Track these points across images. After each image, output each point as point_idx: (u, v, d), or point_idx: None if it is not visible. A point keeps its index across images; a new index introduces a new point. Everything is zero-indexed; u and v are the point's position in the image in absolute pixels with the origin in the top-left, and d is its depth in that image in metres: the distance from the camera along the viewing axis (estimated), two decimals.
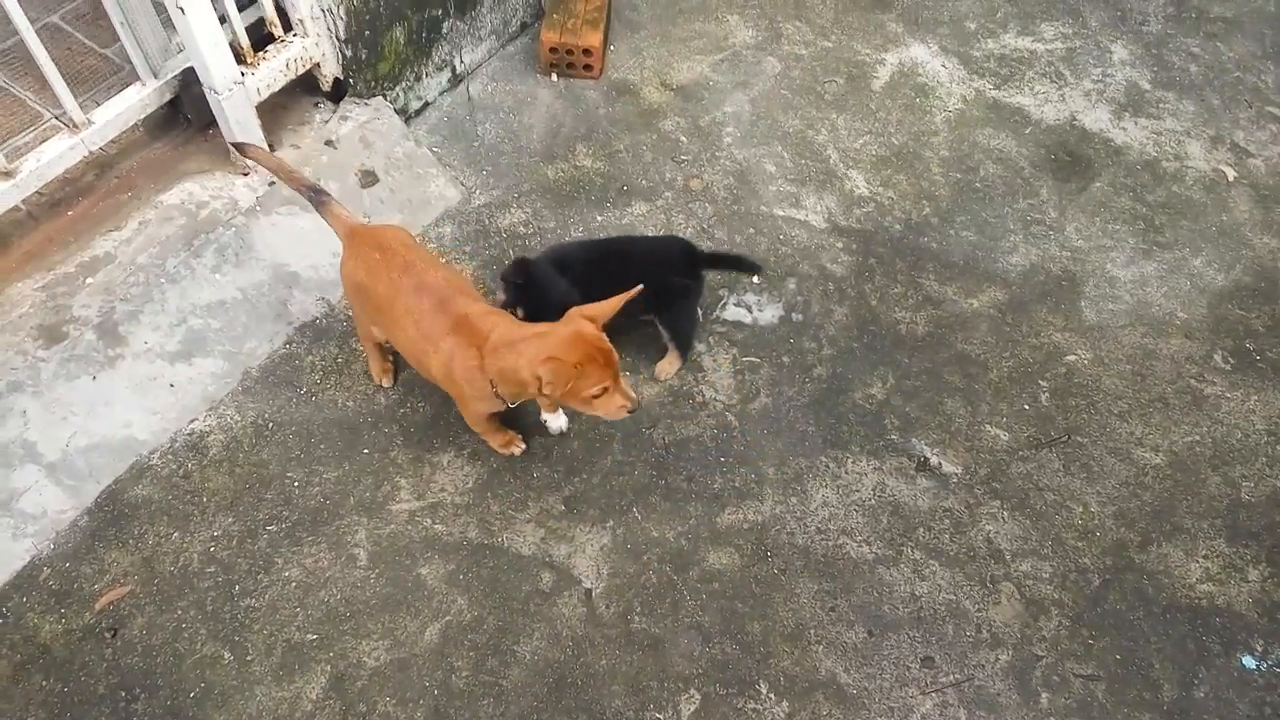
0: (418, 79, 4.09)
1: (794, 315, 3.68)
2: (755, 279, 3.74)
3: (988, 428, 3.44)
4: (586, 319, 2.67)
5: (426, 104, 4.20)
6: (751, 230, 3.90)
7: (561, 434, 3.38)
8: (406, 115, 4.09)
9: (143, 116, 3.46)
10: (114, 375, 3.20)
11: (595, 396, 2.70)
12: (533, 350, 2.63)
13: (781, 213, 3.97)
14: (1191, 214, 4.05)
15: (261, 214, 3.53)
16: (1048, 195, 4.09)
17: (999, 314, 3.72)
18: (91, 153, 3.34)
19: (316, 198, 3.06)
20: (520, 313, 3.17)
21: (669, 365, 3.50)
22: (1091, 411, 3.49)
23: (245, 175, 3.60)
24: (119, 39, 3.29)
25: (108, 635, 2.92)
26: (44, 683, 2.84)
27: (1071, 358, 3.62)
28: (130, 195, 3.51)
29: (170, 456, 3.23)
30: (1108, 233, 3.97)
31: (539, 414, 3.36)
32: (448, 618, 2.99)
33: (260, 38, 3.56)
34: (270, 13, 3.54)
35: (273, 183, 3.58)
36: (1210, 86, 4.50)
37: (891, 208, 4.02)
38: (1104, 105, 4.41)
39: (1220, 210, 4.06)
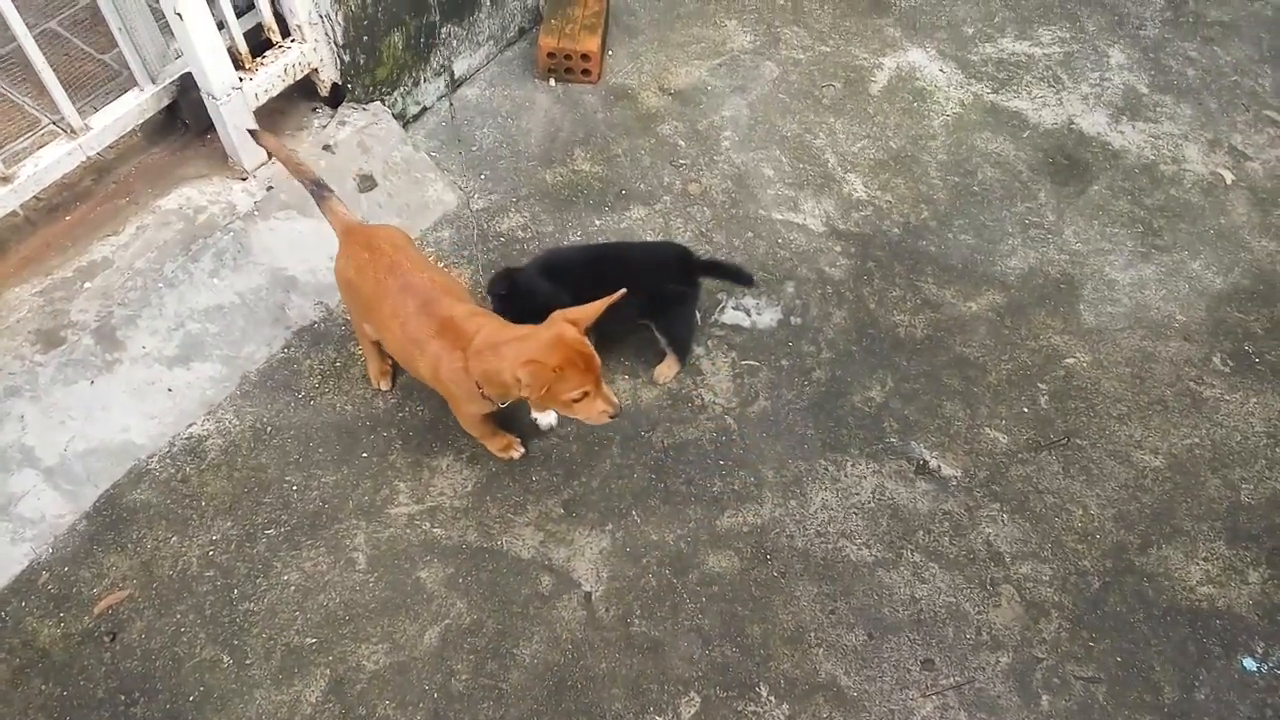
0: (416, 84, 4.09)
1: (793, 319, 3.68)
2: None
3: (987, 430, 3.44)
4: (569, 322, 2.67)
5: (424, 109, 4.20)
6: (750, 234, 3.91)
7: (551, 429, 3.38)
8: (404, 120, 4.09)
9: (141, 122, 3.46)
10: (112, 380, 3.20)
11: (575, 400, 2.69)
12: (514, 353, 2.63)
13: (780, 216, 3.97)
14: (1190, 217, 4.05)
15: (259, 218, 3.53)
16: (1046, 198, 4.09)
17: (998, 317, 3.72)
18: (89, 158, 3.34)
19: (318, 192, 3.07)
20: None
21: (667, 369, 3.50)
22: (1090, 414, 3.49)
23: (243, 180, 3.60)
24: (117, 45, 3.29)
25: (106, 639, 2.91)
26: (43, 687, 2.83)
27: (1070, 360, 3.62)
28: (128, 200, 3.51)
29: (168, 461, 3.23)
30: (1106, 236, 3.97)
31: (529, 414, 3.36)
32: (447, 621, 2.99)
33: (258, 43, 3.56)
34: (268, 18, 3.54)
35: (271, 187, 3.58)
36: (1208, 90, 4.50)
37: (890, 211, 4.02)
38: (1101, 109, 4.41)
39: (1218, 213, 4.07)
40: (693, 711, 2.87)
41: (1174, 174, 4.19)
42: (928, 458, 3.37)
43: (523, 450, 3.29)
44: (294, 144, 3.73)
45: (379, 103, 3.95)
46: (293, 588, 3.02)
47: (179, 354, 3.31)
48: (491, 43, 4.38)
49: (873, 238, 3.93)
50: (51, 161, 3.23)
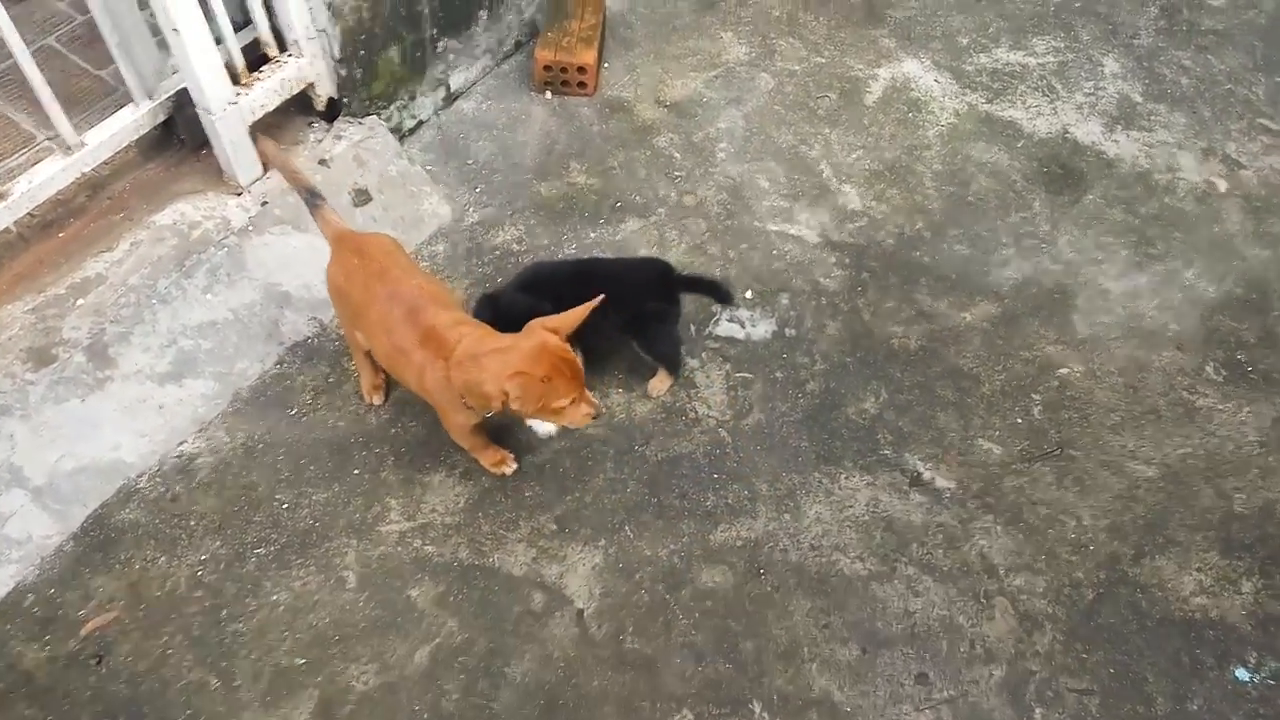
0: (412, 98, 4.10)
1: (787, 330, 3.68)
2: (748, 294, 3.74)
3: (980, 442, 3.43)
4: (549, 330, 2.67)
5: (420, 122, 4.21)
6: (745, 245, 3.90)
7: (550, 437, 3.38)
8: (400, 134, 4.10)
9: (136, 137, 3.47)
10: (103, 397, 3.20)
11: (562, 407, 2.70)
12: (497, 364, 2.62)
13: (775, 228, 3.97)
14: (1183, 226, 4.04)
15: (254, 234, 3.53)
16: (1040, 208, 4.09)
17: (991, 328, 3.71)
18: (84, 174, 3.35)
19: (311, 200, 3.08)
20: None
21: (660, 383, 3.49)
22: (1084, 424, 3.48)
23: (238, 195, 3.60)
24: (114, 61, 3.30)
25: (93, 662, 2.90)
26: (27, 711, 2.82)
27: (1064, 371, 3.61)
28: (122, 216, 3.51)
29: (158, 479, 3.23)
30: (1100, 245, 3.97)
31: (522, 429, 3.36)
32: (438, 640, 2.98)
33: (255, 58, 3.56)
34: (265, 34, 3.55)
35: (265, 203, 3.58)
36: (1201, 99, 4.50)
37: (884, 222, 4.01)
38: (1096, 118, 4.41)
39: (1212, 222, 4.06)
40: None
41: (1168, 183, 4.18)
42: (922, 469, 3.37)
43: (515, 466, 3.29)
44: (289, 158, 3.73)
45: (375, 117, 3.96)
46: (282, 608, 3.02)
47: (171, 371, 3.31)
48: (488, 56, 4.39)
49: (867, 249, 3.93)
50: (46, 178, 3.23)
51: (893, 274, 3.85)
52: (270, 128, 3.72)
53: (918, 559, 3.19)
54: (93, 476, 3.16)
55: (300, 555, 3.11)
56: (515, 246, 3.86)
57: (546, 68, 4.29)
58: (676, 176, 4.13)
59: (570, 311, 2.71)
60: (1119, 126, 4.38)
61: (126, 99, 3.44)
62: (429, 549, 3.14)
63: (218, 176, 3.63)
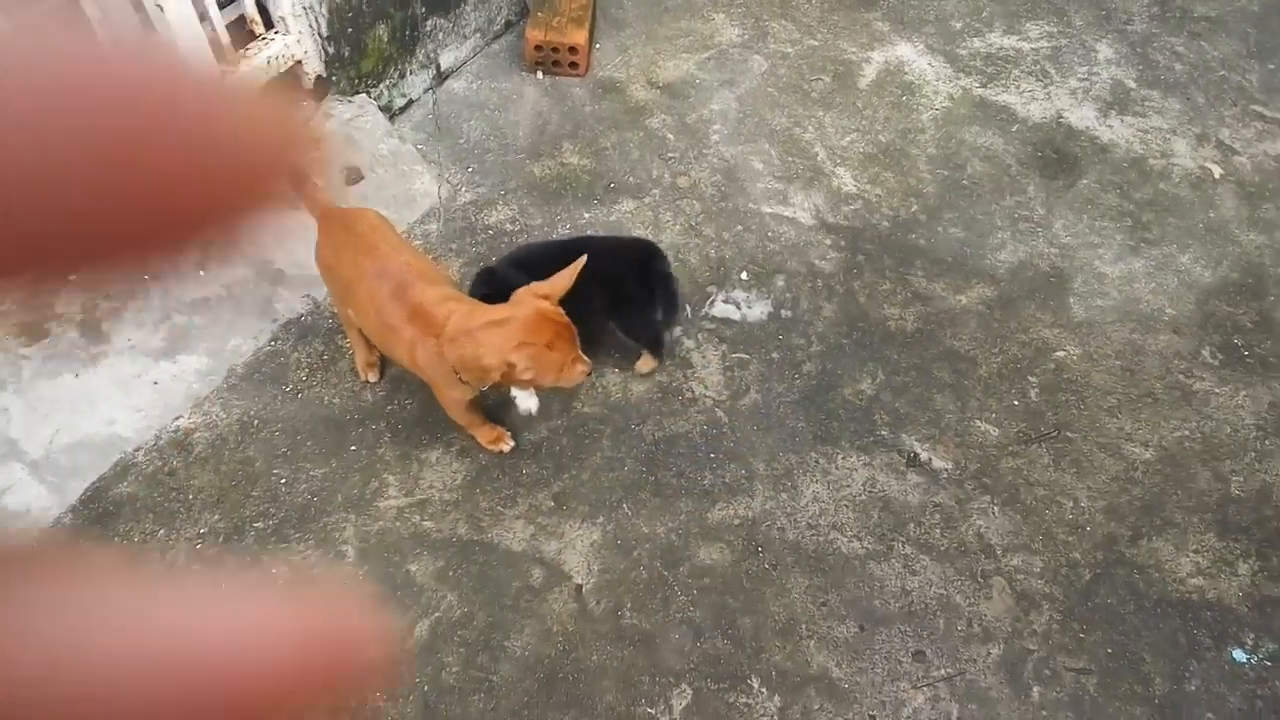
0: (402, 76, 4.07)
1: (783, 312, 3.67)
2: (744, 276, 3.73)
3: (977, 423, 3.44)
4: (541, 296, 2.67)
5: (411, 101, 4.18)
6: (739, 227, 3.90)
7: (530, 414, 3.36)
8: (391, 112, 4.07)
9: None
10: (97, 373, 3.17)
11: (561, 370, 2.71)
12: (496, 338, 2.61)
13: (769, 210, 3.97)
14: (1178, 211, 4.06)
15: None
16: (1035, 192, 4.10)
17: (988, 310, 3.72)
18: None
19: (295, 177, 3.03)
20: None
21: (645, 363, 3.48)
22: (1081, 407, 3.49)
23: None
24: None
25: None
26: None
27: (1060, 354, 3.62)
28: None
29: (155, 454, 3.20)
30: (1095, 230, 3.98)
31: (514, 406, 3.35)
32: (437, 614, 2.97)
33: (241, 35, 3.53)
34: (251, 10, 3.51)
35: None
36: (1195, 84, 4.51)
37: (879, 205, 4.01)
38: (1090, 103, 4.42)
39: (1207, 207, 4.07)
40: (684, 703, 2.85)
41: (1162, 168, 4.20)
42: (918, 450, 3.37)
43: (513, 443, 3.27)
44: None
45: (365, 95, 3.93)
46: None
47: (165, 347, 3.29)
48: (478, 35, 4.36)
49: (862, 231, 3.92)
50: None
51: (888, 256, 3.85)
52: None
53: (915, 538, 3.19)
54: (89, 451, 3.13)
55: (299, 530, 3.09)
56: (509, 226, 3.84)
57: (537, 47, 4.27)
58: (670, 158, 4.11)
59: (558, 276, 2.70)
60: (1113, 112, 4.39)
61: None
62: (427, 524, 3.12)
63: None
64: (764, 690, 2.88)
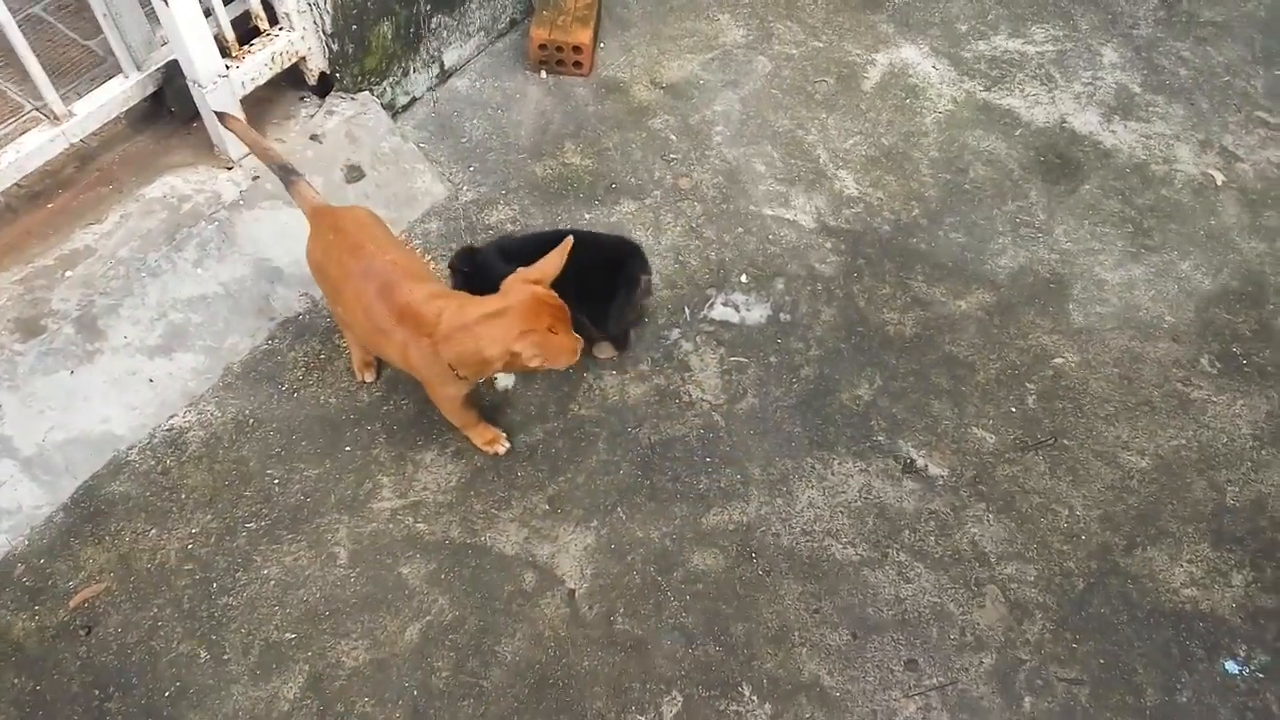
0: (405, 74, 4.06)
1: (782, 315, 3.66)
2: (744, 278, 3.72)
3: (974, 430, 3.43)
4: (532, 282, 2.68)
5: (414, 99, 4.17)
6: (740, 229, 3.88)
7: (507, 390, 3.38)
8: (393, 110, 4.06)
9: (125, 109, 3.43)
10: (92, 370, 3.17)
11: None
12: (497, 329, 2.62)
13: (771, 212, 3.95)
14: (1180, 218, 4.04)
15: (245, 208, 3.50)
16: (1037, 197, 4.08)
17: (987, 316, 3.70)
18: (73, 145, 3.31)
19: (285, 176, 3.04)
20: None
21: (604, 351, 3.49)
22: (1078, 414, 3.48)
23: (229, 169, 3.57)
24: (102, 31, 3.26)
25: (82, 633, 2.88)
26: (16, 680, 2.81)
27: (1059, 360, 3.60)
28: (112, 188, 3.48)
29: (149, 452, 3.20)
30: (1096, 235, 3.96)
31: (515, 410, 3.34)
32: (428, 617, 2.97)
33: (246, 31, 3.53)
34: (256, 6, 3.51)
35: (257, 177, 3.55)
36: (1200, 90, 4.49)
37: (881, 208, 4.00)
38: (1094, 108, 4.40)
39: (1208, 214, 4.05)
40: (675, 711, 2.85)
41: (1165, 174, 4.17)
42: (915, 457, 3.36)
43: (508, 445, 3.27)
44: (281, 133, 3.70)
45: (367, 93, 3.92)
46: (272, 582, 3.00)
47: (161, 344, 3.29)
48: (482, 34, 4.35)
49: (863, 235, 3.91)
50: (34, 148, 3.19)
51: (888, 260, 3.84)
52: (262, 102, 3.70)
53: (909, 545, 3.18)
54: (83, 448, 3.13)
55: (291, 530, 3.09)
56: (510, 226, 3.83)
57: (542, 46, 4.26)
58: (672, 159, 4.10)
59: (546, 259, 2.72)
60: (1117, 117, 4.37)
61: (115, 70, 3.40)
62: (420, 526, 3.12)
63: (208, 150, 3.60)
64: (755, 698, 2.88)
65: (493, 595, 3.01)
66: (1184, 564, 3.18)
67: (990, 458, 3.37)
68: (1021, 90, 4.45)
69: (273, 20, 3.57)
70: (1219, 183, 4.15)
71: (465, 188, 3.94)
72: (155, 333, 3.28)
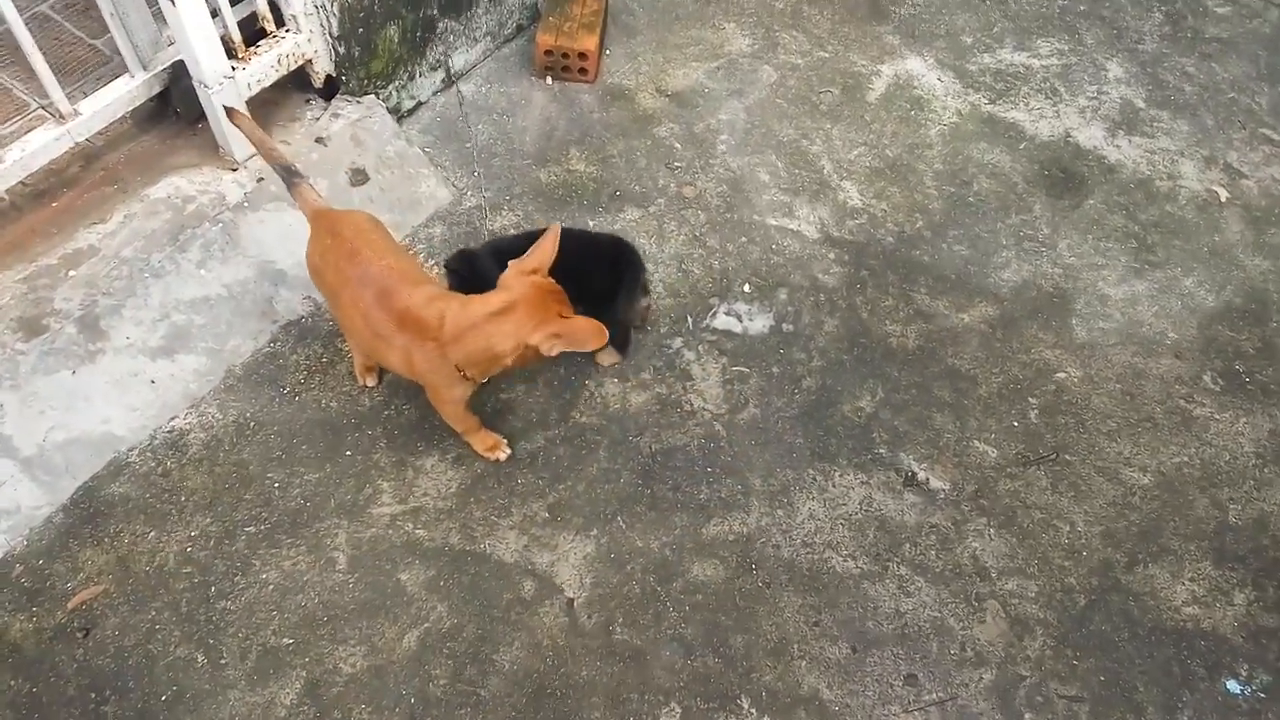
0: (411, 78, 4.06)
1: (784, 325, 3.66)
2: (747, 288, 3.72)
3: (976, 444, 3.42)
4: (530, 272, 2.68)
5: (419, 103, 4.17)
6: (744, 239, 3.88)
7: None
8: (399, 114, 4.06)
9: (131, 109, 3.42)
10: (94, 370, 3.16)
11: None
12: (508, 324, 2.63)
13: (774, 222, 3.95)
14: (1184, 234, 4.03)
15: (249, 210, 3.50)
16: (1040, 211, 4.07)
17: (990, 329, 3.70)
18: (78, 144, 3.30)
19: (289, 177, 3.02)
20: None
21: (607, 357, 3.48)
22: (1080, 430, 3.47)
23: (234, 171, 3.56)
24: (109, 30, 3.25)
25: (79, 635, 2.87)
26: (12, 682, 2.79)
27: (1061, 375, 3.60)
28: (116, 188, 3.47)
29: (149, 454, 3.19)
30: (1100, 250, 3.96)
31: (516, 417, 3.33)
32: (427, 625, 2.96)
33: (252, 32, 3.52)
34: (263, 7, 3.50)
35: (261, 179, 3.54)
36: (1204, 106, 4.49)
37: (884, 220, 3.99)
38: (1098, 122, 4.40)
39: (1212, 231, 4.05)
40: None
41: (1169, 190, 4.17)
42: (916, 470, 3.35)
43: (509, 452, 3.26)
44: (286, 135, 3.69)
45: (373, 96, 3.92)
46: (271, 587, 2.99)
47: (163, 345, 3.28)
48: (489, 39, 4.35)
49: (867, 246, 3.91)
50: (39, 146, 3.19)
51: (892, 272, 3.83)
52: (268, 104, 3.69)
53: (910, 559, 3.17)
54: (83, 449, 3.12)
55: (291, 535, 3.08)
56: (513, 231, 3.83)
57: (548, 53, 4.26)
58: (676, 167, 4.10)
59: (536, 248, 2.72)
60: (1121, 132, 4.37)
61: (122, 69, 3.39)
62: (420, 533, 3.11)
63: (213, 151, 3.60)
64: (754, 711, 2.87)
65: (491, 603, 3.00)
66: (1186, 582, 3.17)
67: (992, 472, 3.36)
68: (1026, 104, 4.45)
69: (279, 22, 3.57)
70: (1223, 199, 4.15)
71: (469, 192, 3.93)
72: (157, 334, 3.27)
